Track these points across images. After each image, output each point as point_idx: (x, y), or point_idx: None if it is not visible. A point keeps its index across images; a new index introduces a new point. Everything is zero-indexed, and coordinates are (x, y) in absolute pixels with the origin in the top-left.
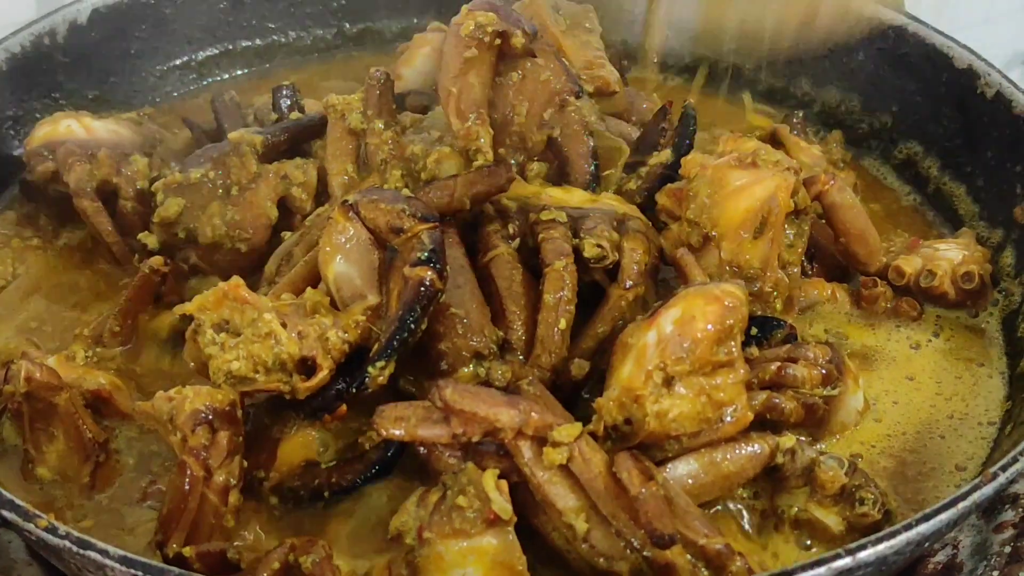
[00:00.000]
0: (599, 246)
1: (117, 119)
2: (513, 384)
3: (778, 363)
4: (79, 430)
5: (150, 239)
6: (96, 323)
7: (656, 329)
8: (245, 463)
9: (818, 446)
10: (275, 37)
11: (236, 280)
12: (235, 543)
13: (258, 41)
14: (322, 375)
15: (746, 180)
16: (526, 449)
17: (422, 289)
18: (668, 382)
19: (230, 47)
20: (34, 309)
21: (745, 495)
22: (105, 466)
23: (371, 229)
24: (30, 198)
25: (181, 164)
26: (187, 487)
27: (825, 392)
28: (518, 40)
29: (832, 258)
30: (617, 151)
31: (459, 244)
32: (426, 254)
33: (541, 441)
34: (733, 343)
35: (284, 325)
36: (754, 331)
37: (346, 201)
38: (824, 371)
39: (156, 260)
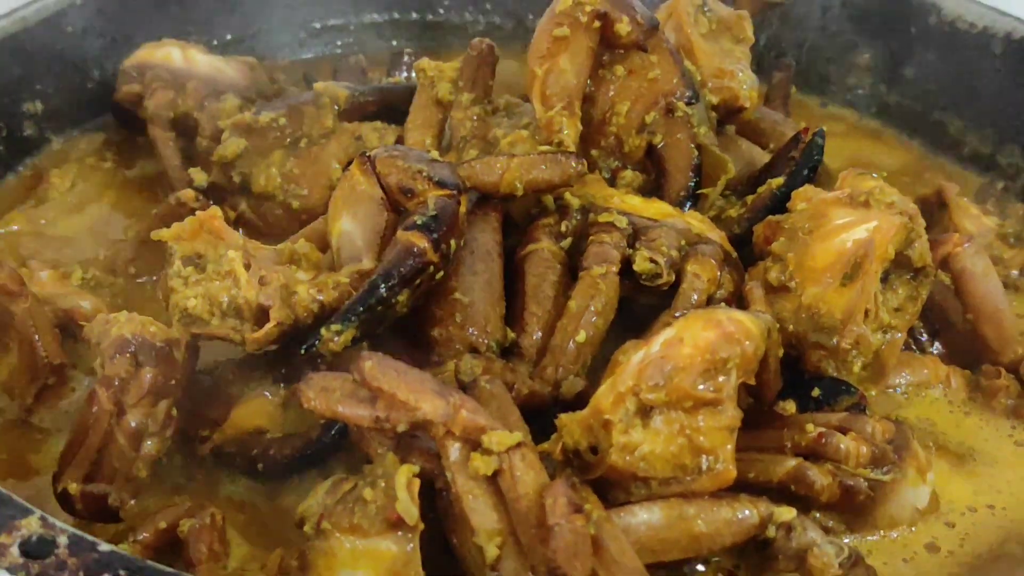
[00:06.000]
0: (652, 260)
1: (228, 58)
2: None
3: (821, 429)
4: (33, 347)
5: (199, 175)
6: (115, 249)
7: (646, 348)
8: (175, 412)
9: (849, 539)
10: (446, 15)
11: (214, 210)
12: (122, 492)
13: (429, 16)
14: (268, 327)
15: (850, 219)
16: (454, 451)
17: (409, 259)
18: (645, 412)
19: (397, 16)
20: (69, 226)
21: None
22: (52, 391)
23: (384, 187)
24: (123, 123)
25: (258, 106)
26: (91, 420)
27: (872, 475)
28: (623, 27)
29: (964, 341)
30: (721, 169)
31: (496, 231)
32: (424, 219)
33: (474, 445)
34: (725, 379)
35: (247, 267)
36: (816, 392)
37: (364, 153)
38: (876, 449)
39: (186, 194)
